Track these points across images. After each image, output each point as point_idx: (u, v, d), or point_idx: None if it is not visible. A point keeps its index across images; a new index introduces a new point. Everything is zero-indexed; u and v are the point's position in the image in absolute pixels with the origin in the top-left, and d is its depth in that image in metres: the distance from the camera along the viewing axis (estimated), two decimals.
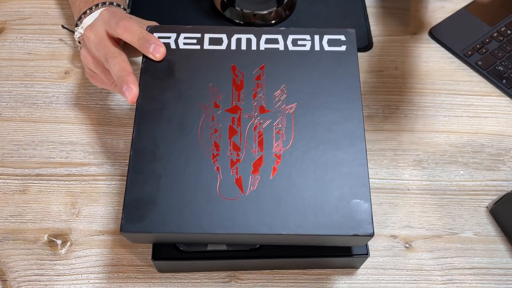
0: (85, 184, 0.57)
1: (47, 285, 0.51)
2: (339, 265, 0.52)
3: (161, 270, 0.51)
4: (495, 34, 0.71)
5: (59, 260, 0.52)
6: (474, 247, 0.55)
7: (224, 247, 0.48)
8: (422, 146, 0.62)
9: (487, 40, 0.70)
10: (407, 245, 0.55)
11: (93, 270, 0.52)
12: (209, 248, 0.48)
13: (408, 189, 0.59)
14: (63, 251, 0.53)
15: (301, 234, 0.42)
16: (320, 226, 0.42)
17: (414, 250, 0.55)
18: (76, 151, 0.60)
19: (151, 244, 0.49)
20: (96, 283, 0.51)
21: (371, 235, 0.42)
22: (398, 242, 0.55)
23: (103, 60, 0.51)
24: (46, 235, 0.54)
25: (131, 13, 0.57)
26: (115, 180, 0.58)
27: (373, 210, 0.56)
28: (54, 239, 0.54)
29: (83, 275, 0.52)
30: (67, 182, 0.57)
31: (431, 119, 0.64)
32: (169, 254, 0.48)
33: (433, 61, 0.70)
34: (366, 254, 0.50)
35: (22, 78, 0.65)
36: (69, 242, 0.53)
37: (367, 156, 0.46)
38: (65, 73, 0.66)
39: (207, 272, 0.52)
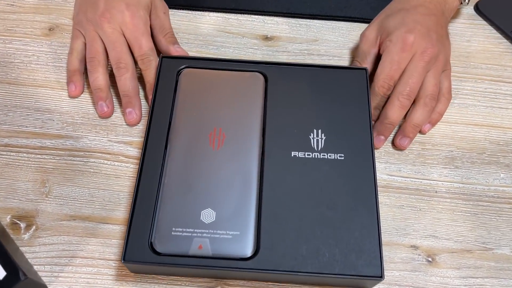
0: (60, 159, 0.50)
1: None
2: (347, 284, 0.43)
3: (134, 271, 0.44)
4: None
5: (21, 246, 0.45)
6: (511, 267, 0.46)
7: (209, 253, 0.40)
8: (456, 141, 0.53)
9: None
10: (430, 259, 0.46)
11: (58, 262, 0.45)
12: (191, 253, 0.40)
13: (436, 191, 0.50)
14: (26, 236, 0.46)
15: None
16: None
17: (438, 266, 0.46)
18: (53, 120, 0.52)
19: (124, 241, 0.41)
20: (60, 276, 0.44)
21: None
22: (419, 255, 0.46)
23: (113, 63, 0.51)
24: (9, 216, 0.47)
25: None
26: (94, 158, 0.50)
27: (392, 213, 0.48)
28: (18, 222, 0.46)
29: (46, 266, 0.44)
30: (39, 156, 0.50)
31: (470, 109, 0.55)
32: (143, 256, 0.40)
33: (477, 41, 0.60)
34: (380, 277, 0.41)
35: (1, 32, 0.57)
36: (34, 226, 0.46)
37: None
38: (49, 29, 0.58)
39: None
